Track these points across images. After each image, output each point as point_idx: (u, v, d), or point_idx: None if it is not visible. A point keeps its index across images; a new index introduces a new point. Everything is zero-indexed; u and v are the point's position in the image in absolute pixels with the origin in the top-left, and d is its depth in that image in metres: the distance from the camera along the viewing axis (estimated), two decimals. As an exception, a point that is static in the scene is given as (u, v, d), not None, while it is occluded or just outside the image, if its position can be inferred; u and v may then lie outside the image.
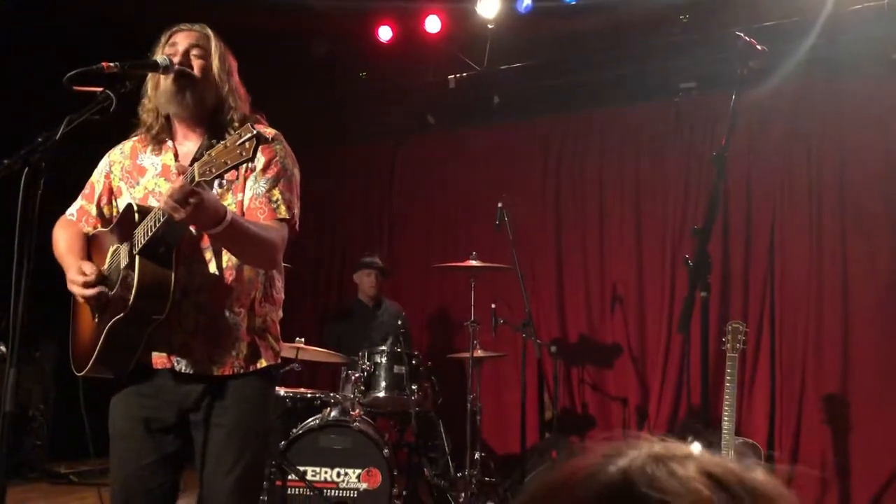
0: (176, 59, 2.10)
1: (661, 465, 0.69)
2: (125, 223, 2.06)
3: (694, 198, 5.38)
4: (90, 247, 2.23)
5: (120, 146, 2.29)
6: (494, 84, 5.77)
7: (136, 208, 2.02)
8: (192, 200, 1.78)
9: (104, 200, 2.26)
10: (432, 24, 5.51)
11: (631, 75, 5.43)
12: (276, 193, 2.12)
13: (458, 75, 5.76)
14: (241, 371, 2.13)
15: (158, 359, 2.10)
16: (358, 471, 4.01)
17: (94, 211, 2.26)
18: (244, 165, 2.07)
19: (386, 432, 4.52)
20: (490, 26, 5.38)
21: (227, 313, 2.12)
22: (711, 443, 3.77)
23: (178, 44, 2.14)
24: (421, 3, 5.48)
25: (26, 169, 1.79)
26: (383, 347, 4.55)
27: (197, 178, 1.78)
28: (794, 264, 5.01)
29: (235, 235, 1.96)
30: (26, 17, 5.13)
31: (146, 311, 1.98)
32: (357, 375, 4.39)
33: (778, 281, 5.05)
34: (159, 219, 1.89)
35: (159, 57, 2.09)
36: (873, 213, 4.82)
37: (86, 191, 2.30)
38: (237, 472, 2.09)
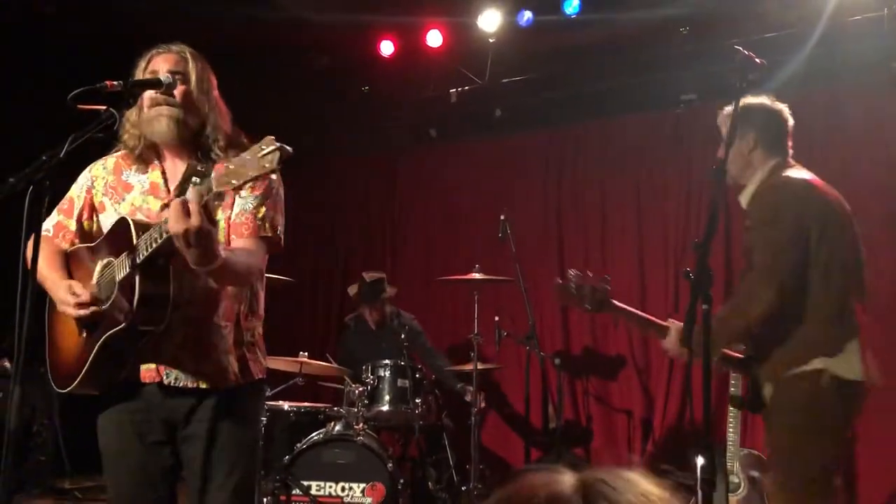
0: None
1: (604, 486, 0.77)
2: (119, 237, 2.05)
3: (696, 208, 5.38)
4: (69, 263, 2.21)
5: (102, 161, 2.28)
6: (496, 97, 5.79)
7: (131, 223, 2.01)
8: (193, 224, 1.76)
9: (85, 215, 2.25)
10: (434, 38, 5.54)
11: (632, 87, 5.45)
12: (262, 211, 2.14)
13: (459, 89, 5.79)
14: (231, 384, 2.14)
15: (147, 372, 2.10)
16: (362, 485, 4.00)
17: (73, 226, 2.25)
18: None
19: (390, 446, 4.52)
20: (491, 40, 5.41)
21: (215, 326, 2.13)
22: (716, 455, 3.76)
23: (157, 70, 2.14)
24: (422, 17, 5.51)
25: (31, 187, 1.80)
26: (387, 361, 4.55)
27: (215, 189, 1.77)
28: (797, 275, 5.00)
29: (224, 274, 1.98)
30: (29, 37, 5.17)
31: (145, 322, 1.98)
32: (361, 389, 4.38)
33: (781, 291, 5.03)
34: (165, 232, 1.86)
35: (162, 75, 2.10)
36: (875, 223, 4.80)
37: (63, 206, 2.27)
38: (229, 487, 2.11)
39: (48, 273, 2.14)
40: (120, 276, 2.01)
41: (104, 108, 1.94)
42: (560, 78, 5.63)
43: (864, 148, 4.85)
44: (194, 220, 1.77)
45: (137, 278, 1.95)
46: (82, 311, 2.03)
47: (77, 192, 2.27)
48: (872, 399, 4.66)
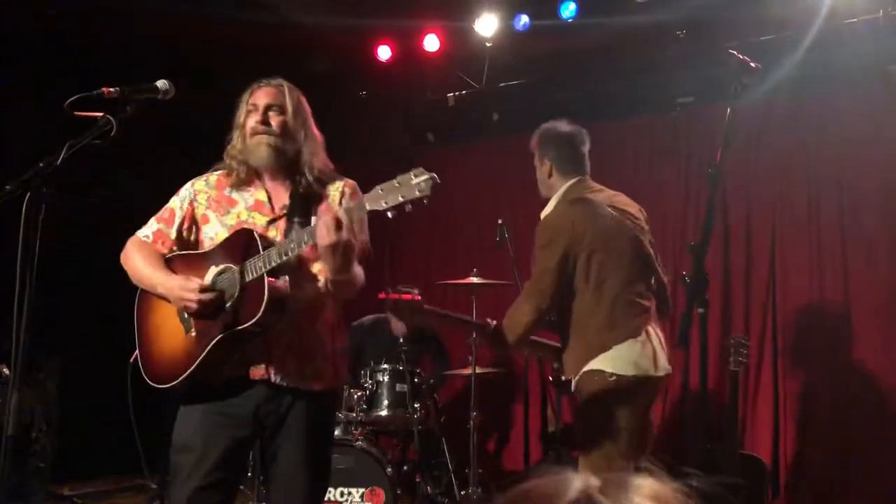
0: (257, 118, 2.35)
1: (613, 493, 0.76)
2: (239, 245, 2.21)
3: (693, 211, 5.39)
4: (171, 266, 2.35)
5: (204, 177, 2.46)
6: (493, 101, 5.80)
7: (255, 234, 2.19)
8: (344, 237, 2.00)
9: (185, 225, 2.41)
10: (431, 42, 5.55)
11: (628, 90, 5.46)
12: (364, 234, 2.33)
13: (457, 93, 5.80)
14: (327, 387, 2.32)
15: (257, 371, 2.24)
16: (361, 490, 4.00)
17: (173, 235, 2.40)
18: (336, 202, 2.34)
19: (389, 451, 4.51)
20: (488, 44, 5.42)
21: (317, 333, 2.31)
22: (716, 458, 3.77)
23: (258, 103, 2.37)
24: (419, 22, 5.52)
25: (28, 194, 1.80)
26: (385, 365, 4.55)
27: (368, 207, 1.99)
28: (795, 277, 5.01)
29: (352, 283, 2.21)
30: (27, 43, 5.18)
31: (268, 323, 2.13)
32: (359, 394, 4.38)
33: (779, 294, 5.04)
34: (304, 242, 2.08)
35: (160, 82, 2.12)
36: (873, 224, 4.82)
37: (163, 215, 2.44)
38: (311, 473, 2.27)
39: (153, 271, 2.31)
40: (248, 279, 2.14)
41: (101, 114, 1.95)
42: (557, 82, 5.64)
43: (860, 150, 4.86)
44: (345, 234, 2.01)
45: (266, 286, 2.10)
46: (206, 296, 2.16)
47: (179, 203, 2.43)
48: (869, 404, 4.68)
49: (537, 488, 0.79)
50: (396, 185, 1.95)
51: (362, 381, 4.52)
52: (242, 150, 2.38)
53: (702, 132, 5.33)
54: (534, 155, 3.19)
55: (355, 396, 4.36)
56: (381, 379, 4.50)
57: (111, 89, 1.96)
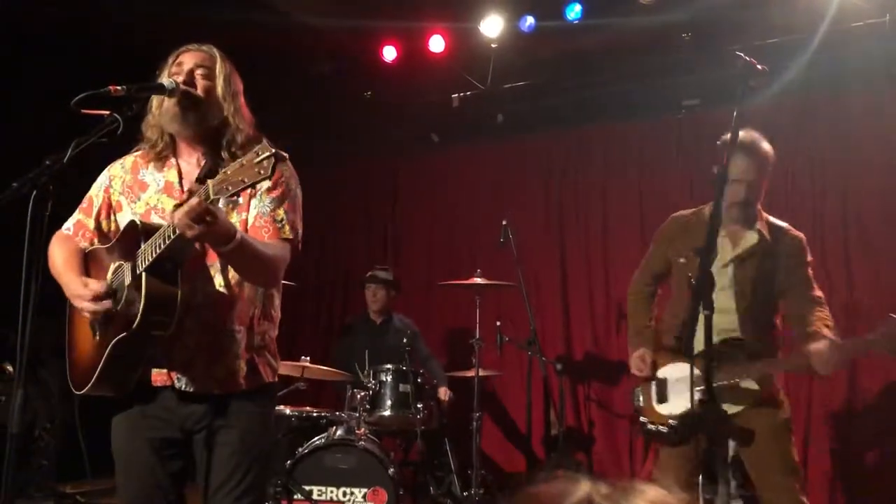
0: (180, 79, 2.12)
1: (617, 498, 0.77)
2: (128, 240, 2.06)
3: (698, 214, 5.38)
4: (88, 263, 2.22)
5: (121, 161, 2.29)
6: (498, 102, 5.80)
7: (140, 225, 2.03)
8: (208, 219, 1.80)
9: (103, 215, 2.26)
10: (436, 43, 5.55)
11: (634, 93, 5.44)
12: (281, 213, 2.13)
13: (461, 94, 5.79)
14: (242, 389, 2.13)
15: (158, 376, 2.11)
16: (364, 490, 4.00)
17: (91, 225, 2.26)
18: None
19: (391, 451, 4.51)
20: (493, 45, 5.42)
21: (229, 330, 2.12)
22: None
23: (183, 63, 2.16)
24: (425, 23, 5.52)
25: (34, 191, 1.80)
26: (389, 365, 4.55)
27: (212, 196, 1.78)
28: (800, 280, 4.99)
29: (244, 254, 1.97)
30: (34, 41, 5.19)
31: (152, 329, 1.97)
32: (362, 394, 4.38)
33: (783, 297, 5.03)
34: (168, 236, 1.87)
35: (166, 80, 2.11)
36: (877, 230, 4.81)
37: (83, 205, 2.30)
38: (239, 492, 2.10)
39: (64, 270, 2.16)
40: (128, 279, 2.01)
41: (108, 112, 1.94)
42: (562, 83, 5.63)
43: (866, 153, 4.85)
44: (198, 228, 1.79)
45: (144, 283, 1.94)
46: (97, 305, 2.03)
47: (95, 191, 2.29)
48: (873, 412, 4.67)
49: (544, 491, 0.80)
50: (242, 164, 1.76)
51: (366, 381, 4.52)
52: (157, 114, 2.16)
53: (707, 135, 5.29)
54: (767, 167, 3.33)
55: (358, 396, 4.36)
56: (385, 379, 4.50)
57: (118, 87, 1.95)
